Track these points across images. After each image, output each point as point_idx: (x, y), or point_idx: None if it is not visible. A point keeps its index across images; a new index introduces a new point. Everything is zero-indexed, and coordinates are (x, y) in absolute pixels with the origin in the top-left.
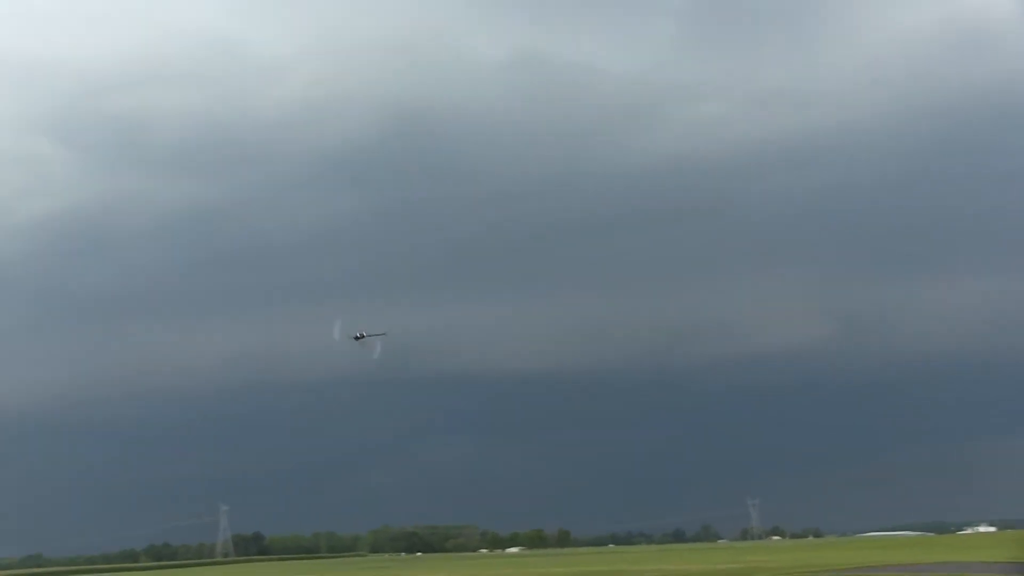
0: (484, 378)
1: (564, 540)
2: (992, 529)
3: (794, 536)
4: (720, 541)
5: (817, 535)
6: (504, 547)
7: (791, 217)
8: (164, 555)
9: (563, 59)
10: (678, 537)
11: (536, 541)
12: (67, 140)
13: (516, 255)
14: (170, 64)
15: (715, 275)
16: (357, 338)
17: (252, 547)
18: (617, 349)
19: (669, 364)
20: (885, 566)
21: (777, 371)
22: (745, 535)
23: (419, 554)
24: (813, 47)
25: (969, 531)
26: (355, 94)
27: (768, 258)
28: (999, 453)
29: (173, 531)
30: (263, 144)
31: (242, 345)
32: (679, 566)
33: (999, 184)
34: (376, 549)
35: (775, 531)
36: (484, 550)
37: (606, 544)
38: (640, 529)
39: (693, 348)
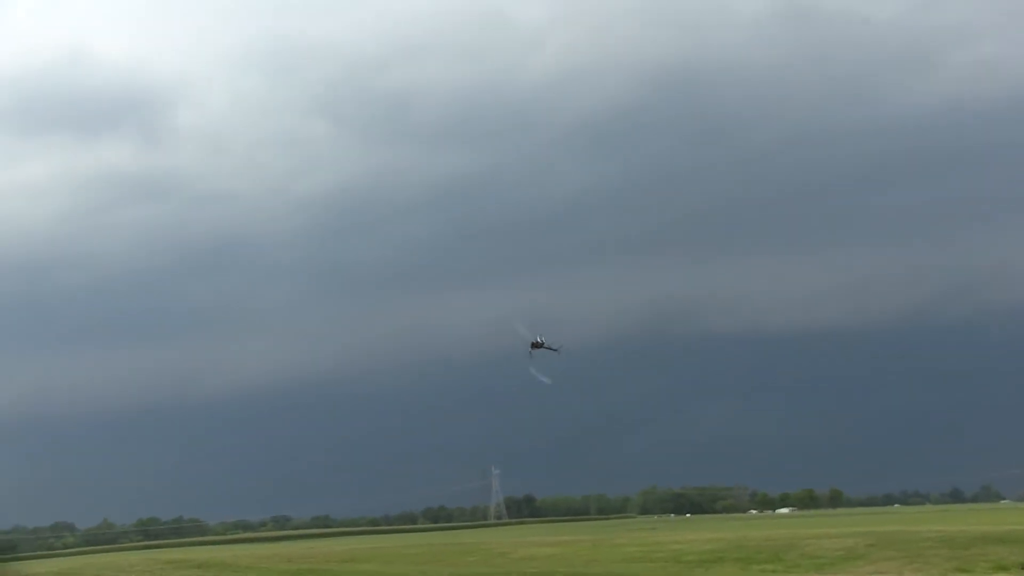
0: (752, 337)
1: (836, 500)
2: None
3: None
4: (1003, 502)
5: None
6: (774, 508)
7: None
8: (440, 517)
9: (826, 7)
10: (956, 497)
11: (807, 501)
12: (337, 119)
13: (783, 211)
14: (433, 38)
15: (998, 223)
16: (535, 345)
17: (524, 509)
18: (890, 304)
19: (946, 318)
20: None
21: None
22: None
23: (688, 515)
24: None
25: None
26: (613, 57)
27: None
28: None
29: (449, 494)
30: (525, 113)
31: (510, 312)
32: (958, 527)
33: None
34: (645, 511)
35: None
36: (754, 511)
37: (880, 504)
38: (915, 489)
39: (970, 301)
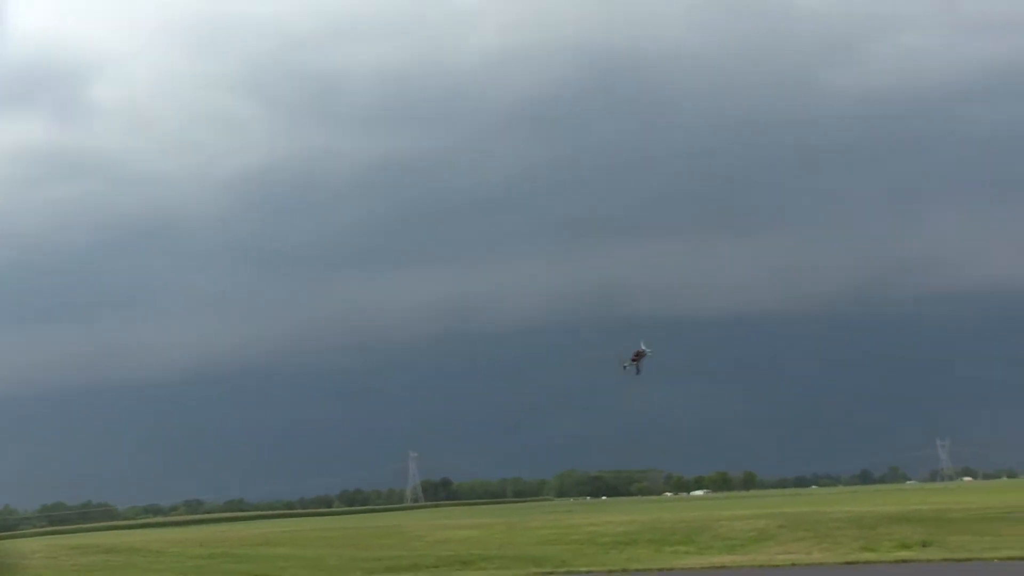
0: (673, 322)
1: (749, 482)
2: None
3: (986, 477)
4: (908, 482)
5: (1011, 476)
6: (689, 490)
7: (998, 150)
8: (357, 501)
9: None
10: (865, 479)
11: (721, 484)
12: (267, 98)
13: (711, 199)
14: (364, 17)
15: (917, 212)
16: (637, 355)
17: (440, 492)
18: (809, 291)
19: (862, 305)
20: None
21: (974, 308)
22: (934, 476)
23: (604, 498)
24: None
25: None
26: (554, 40)
27: (974, 193)
28: None
29: (365, 478)
30: (463, 94)
31: (436, 296)
32: (866, 507)
33: None
34: (561, 494)
35: (966, 472)
36: (669, 493)
37: (792, 487)
38: (827, 471)
39: (889, 288)
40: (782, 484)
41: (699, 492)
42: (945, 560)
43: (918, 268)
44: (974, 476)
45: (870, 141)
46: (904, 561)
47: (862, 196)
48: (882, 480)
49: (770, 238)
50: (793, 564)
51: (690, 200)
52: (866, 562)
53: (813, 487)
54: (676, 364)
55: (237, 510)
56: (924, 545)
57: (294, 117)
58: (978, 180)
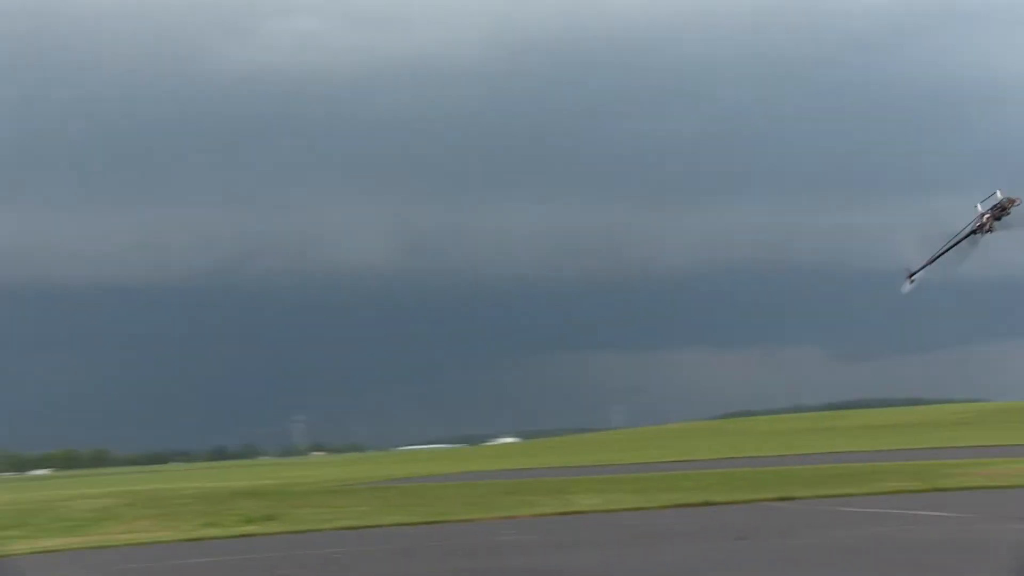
0: (26, 290)
1: (100, 459)
2: (515, 440)
3: (336, 451)
4: (262, 458)
5: (358, 450)
6: (30, 469)
7: (371, 139)
8: None
9: None
10: (220, 455)
11: (68, 461)
12: None
13: (76, 159)
14: None
15: (287, 194)
16: (998, 212)
17: None
18: (179, 264)
19: (225, 280)
20: (422, 476)
21: (336, 290)
22: (288, 452)
23: None
24: None
25: (494, 443)
26: None
27: (342, 180)
28: (529, 371)
29: None
30: None
31: None
32: (217, 483)
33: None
34: None
35: (317, 447)
36: (7, 473)
37: (147, 463)
38: (183, 447)
39: (256, 266)
40: (136, 461)
41: (43, 471)
42: (285, 532)
43: (281, 247)
44: (325, 451)
45: (258, 121)
46: (246, 536)
47: (242, 175)
48: (237, 456)
49: (129, 208)
50: (134, 543)
51: (42, 160)
52: (210, 538)
53: (170, 464)
54: (11, 334)
55: None
56: (268, 519)
57: None
58: (357, 165)
